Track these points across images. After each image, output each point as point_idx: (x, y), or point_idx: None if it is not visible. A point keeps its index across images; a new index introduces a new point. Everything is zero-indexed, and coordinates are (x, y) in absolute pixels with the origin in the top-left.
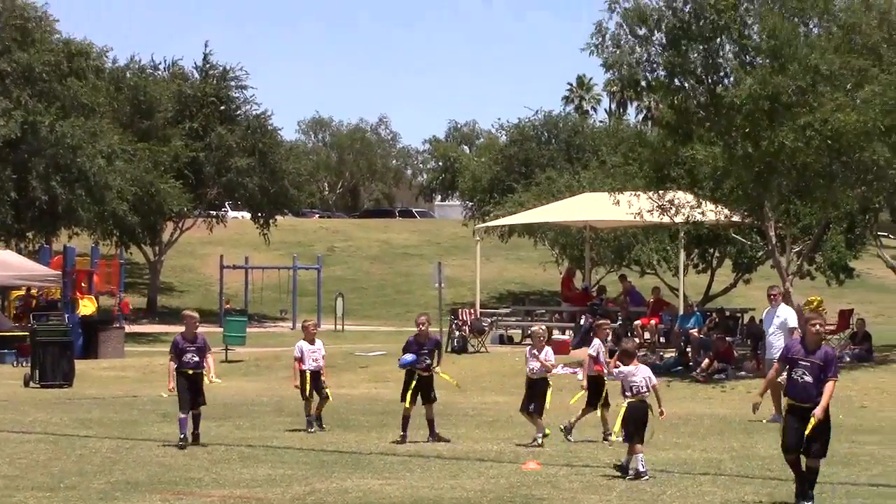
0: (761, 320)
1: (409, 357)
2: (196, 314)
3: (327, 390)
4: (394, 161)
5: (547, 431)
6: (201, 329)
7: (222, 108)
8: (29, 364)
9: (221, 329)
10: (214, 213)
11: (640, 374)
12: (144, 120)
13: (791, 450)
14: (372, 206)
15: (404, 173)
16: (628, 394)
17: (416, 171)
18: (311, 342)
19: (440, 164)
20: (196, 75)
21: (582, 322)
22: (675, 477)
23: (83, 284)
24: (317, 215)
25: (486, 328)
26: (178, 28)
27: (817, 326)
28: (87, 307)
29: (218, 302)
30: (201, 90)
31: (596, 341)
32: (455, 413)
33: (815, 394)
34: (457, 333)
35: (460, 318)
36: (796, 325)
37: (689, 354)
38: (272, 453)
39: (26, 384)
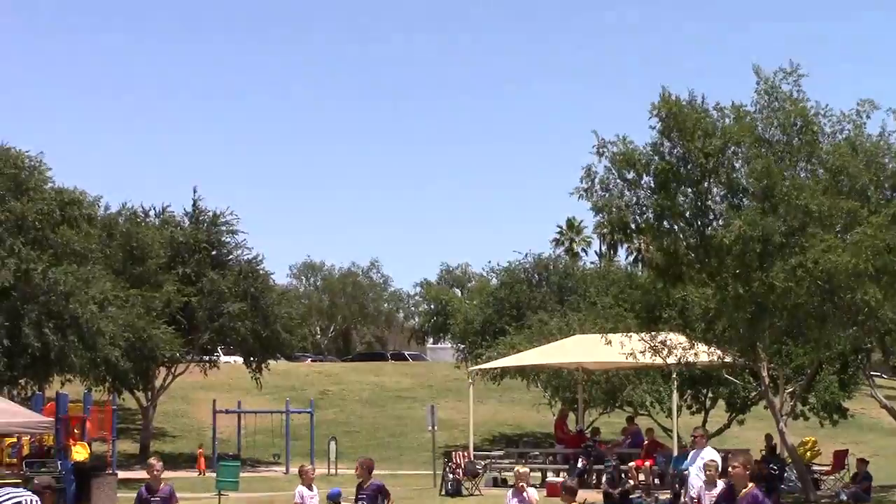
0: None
1: (335, 490)
2: (158, 462)
3: None
4: (385, 304)
5: None
6: (194, 475)
7: (214, 253)
8: None
9: (214, 474)
10: (207, 357)
11: None
12: (137, 266)
13: None
14: (364, 349)
15: (396, 316)
16: None
17: (407, 314)
18: (310, 487)
19: (432, 307)
20: (187, 221)
21: (579, 464)
22: None
23: (76, 431)
24: (309, 359)
25: (480, 471)
26: (167, 174)
27: (731, 469)
28: (79, 453)
29: (212, 446)
30: (193, 236)
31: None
32: None
33: None
34: (451, 476)
35: (454, 460)
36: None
37: (684, 495)
38: None
39: None
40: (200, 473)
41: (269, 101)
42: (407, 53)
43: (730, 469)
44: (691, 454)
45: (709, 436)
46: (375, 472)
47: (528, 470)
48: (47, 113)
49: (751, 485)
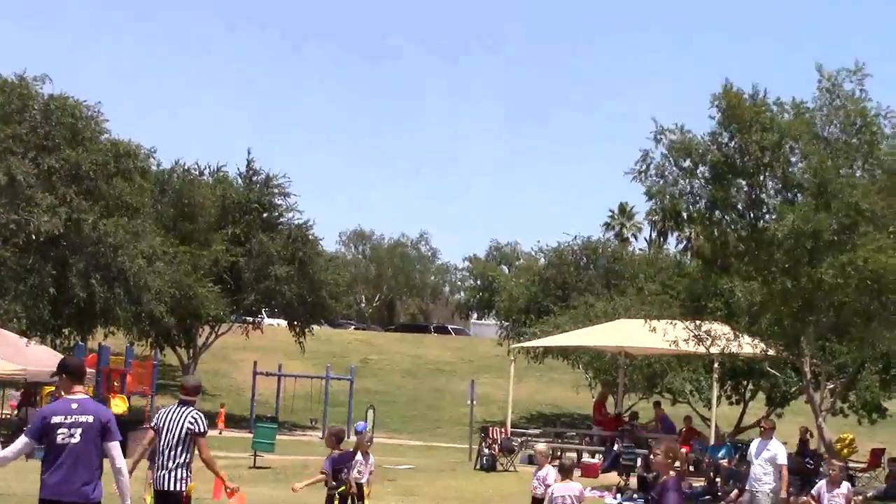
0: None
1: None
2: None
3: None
4: (432, 277)
5: None
6: (233, 434)
7: (264, 214)
8: None
9: (251, 434)
10: (251, 318)
11: (568, 490)
12: (187, 223)
13: None
14: (407, 320)
15: (442, 290)
16: None
17: (453, 288)
18: (366, 454)
19: (478, 282)
20: (239, 181)
21: (615, 447)
22: None
23: (116, 383)
24: (352, 327)
25: (516, 448)
26: (223, 136)
27: (651, 457)
28: (118, 406)
29: (250, 408)
30: (245, 196)
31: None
32: None
33: None
34: (486, 451)
35: (490, 436)
36: (785, 463)
37: (719, 484)
38: None
39: None
40: (220, 432)
41: (324, 68)
42: (460, 26)
43: (651, 457)
44: (757, 444)
45: (747, 428)
46: (412, 442)
47: (545, 447)
48: (106, 64)
49: (672, 473)
